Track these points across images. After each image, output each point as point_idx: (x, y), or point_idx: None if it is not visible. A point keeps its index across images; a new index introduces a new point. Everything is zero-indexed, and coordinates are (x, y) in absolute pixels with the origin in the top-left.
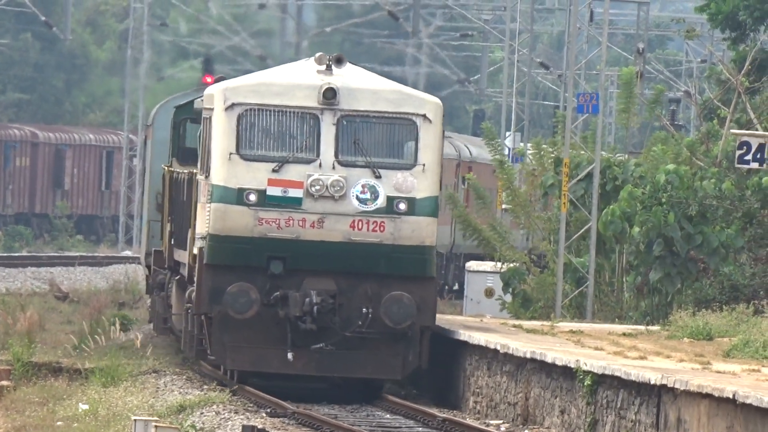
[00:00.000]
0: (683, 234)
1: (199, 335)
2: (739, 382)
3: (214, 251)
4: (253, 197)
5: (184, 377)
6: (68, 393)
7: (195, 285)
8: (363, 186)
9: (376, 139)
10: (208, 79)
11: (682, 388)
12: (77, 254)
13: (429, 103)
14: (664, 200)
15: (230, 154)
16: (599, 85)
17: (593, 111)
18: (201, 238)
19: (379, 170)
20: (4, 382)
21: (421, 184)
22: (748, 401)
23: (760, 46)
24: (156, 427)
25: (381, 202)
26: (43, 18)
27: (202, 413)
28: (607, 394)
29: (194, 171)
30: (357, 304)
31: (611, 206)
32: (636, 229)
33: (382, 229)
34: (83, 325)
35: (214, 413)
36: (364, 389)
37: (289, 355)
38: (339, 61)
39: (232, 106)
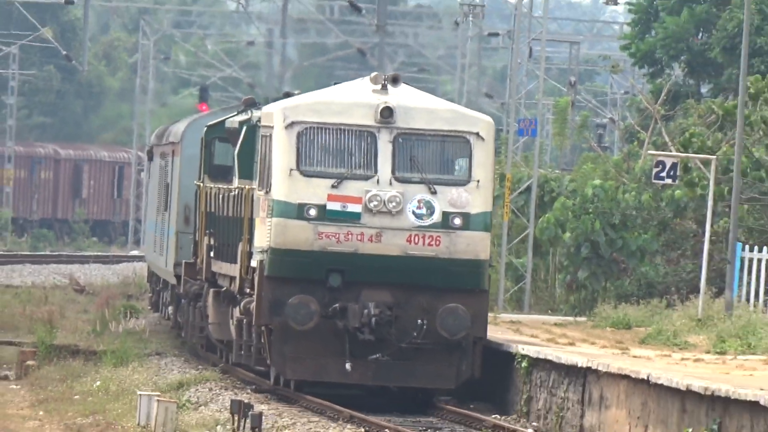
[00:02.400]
0: (607, 239)
1: (257, 345)
2: (653, 365)
3: (275, 264)
4: (313, 212)
5: (182, 359)
6: (84, 371)
7: (255, 297)
8: (419, 201)
9: (431, 156)
10: (204, 107)
11: (604, 370)
12: (92, 253)
13: (482, 122)
14: (591, 210)
15: (291, 170)
16: (537, 112)
17: (532, 134)
18: (261, 251)
19: (435, 186)
20: (30, 362)
21: (475, 199)
22: (660, 381)
23: (674, 80)
24: (158, 401)
25: (437, 217)
26: (64, 52)
27: (197, 389)
28: (541, 374)
29: (245, 186)
30: (413, 315)
31: (547, 215)
32: (567, 234)
33: (437, 243)
34: (97, 314)
35: (207, 389)
36: (419, 399)
37: (348, 365)
38: (395, 81)
39: (292, 124)
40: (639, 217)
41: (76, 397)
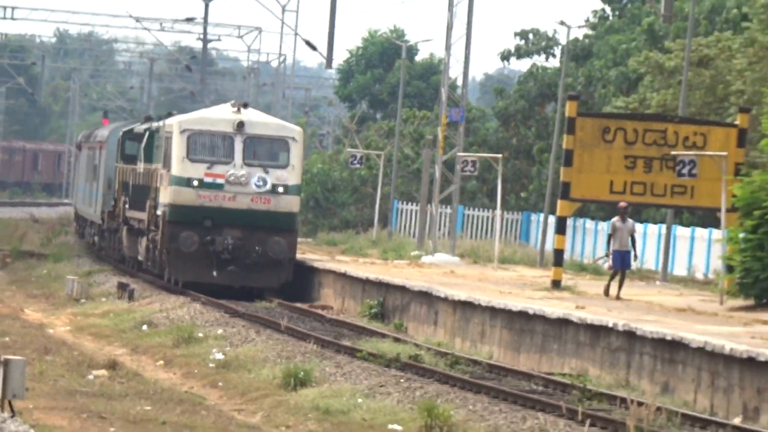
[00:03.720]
0: (323, 196)
1: (159, 260)
2: (348, 265)
3: (173, 213)
4: (195, 183)
5: (91, 259)
6: (38, 265)
7: (160, 232)
8: (258, 178)
9: (266, 151)
10: (106, 122)
11: (323, 268)
12: (43, 201)
13: (296, 130)
14: (315, 180)
15: (183, 158)
16: None
17: None
18: (164, 205)
19: (268, 169)
20: (8, 260)
21: (291, 177)
22: (350, 274)
23: (362, 110)
24: (77, 281)
25: (269, 187)
26: (30, 91)
27: (98, 275)
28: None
29: (150, 168)
30: (253, 244)
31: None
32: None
33: (269, 202)
34: (45, 233)
35: (104, 275)
36: (255, 294)
37: (215, 273)
38: (245, 106)
39: (184, 130)
40: (341, 185)
41: (33, 279)
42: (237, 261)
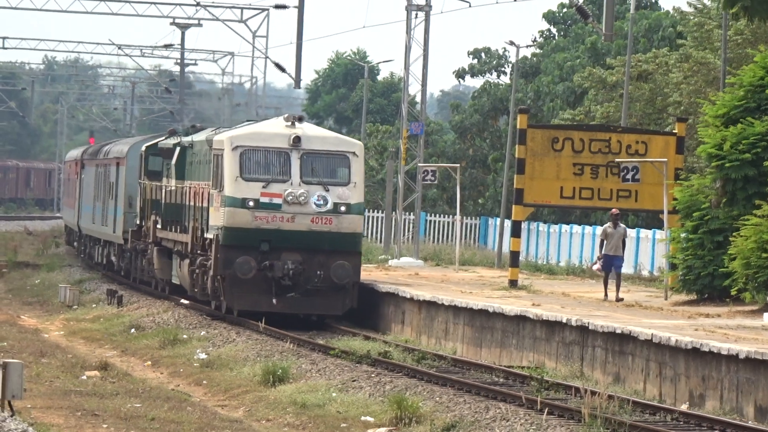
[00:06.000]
0: None
1: (212, 287)
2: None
3: (227, 236)
4: (251, 203)
5: (81, 268)
6: (32, 274)
7: (212, 257)
8: (318, 196)
9: (325, 167)
10: (92, 141)
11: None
12: (36, 215)
13: (357, 145)
14: None
15: (236, 177)
16: None
17: None
18: (216, 228)
19: (328, 186)
20: (4, 270)
21: (353, 195)
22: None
23: (329, 126)
24: (69, 288)
25: (330, 206)
26: (21, 114)
27: (89, 283)
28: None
29: (183, 184)
30: (314, 268)
31: None
32: None
33: (330, 222)
34: (39, 245)
35: (95, 283)
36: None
37: (274, 300)
38: (300, 119)
39: (236, 147)
40: None
41: (28, 288)
42: (298, 287)
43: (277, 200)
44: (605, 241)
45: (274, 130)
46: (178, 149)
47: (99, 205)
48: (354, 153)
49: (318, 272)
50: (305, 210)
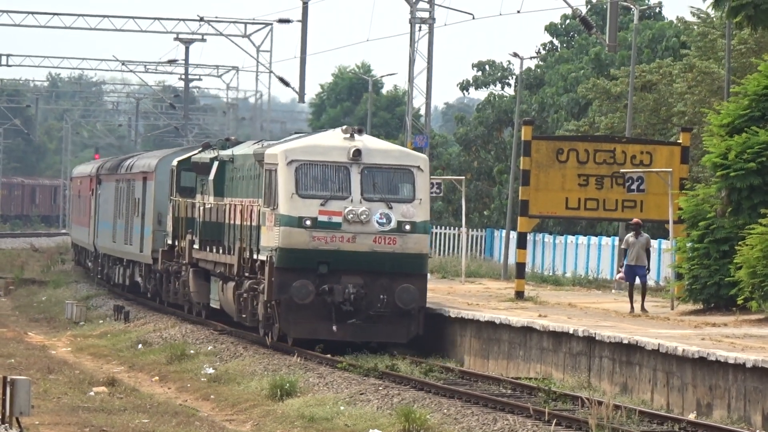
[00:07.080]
0: None
1: (264, 313)
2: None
3: (282, 258)
4: (308, 222)
5: (88, 284)
6: (39, 291)
7: (266, 280)
8: (381, 214)
9: (387, 182)
10: (97, 156)
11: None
12: (42, 232)
13: (421, 158)
14: None
15: (292, 194)
16: None
17: None
18: (270, 249)
19: (391, 203)
20: (11, 287)
21: (418, 212)
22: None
23: None
24: (76, 305)
25: (393, 224)
26: (26, 131)
27: (95, 299)
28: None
29: (224, 201)
30: (378, 292)
31: None
32: None
33: (394, 242)
34: (45, 262)
35: (101, 299)
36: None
37: (334, 328)
38: (360, 131)
39: (291, 161)
40: None
41: (34, 304)
42: (359, 312)
43: (336, 218)
44: (627, 252)
45: (331, 142)
46: (216, 164)
47: (121, 223)
48: (419, 167)
49: (381, 296)
50: (367, 229)
